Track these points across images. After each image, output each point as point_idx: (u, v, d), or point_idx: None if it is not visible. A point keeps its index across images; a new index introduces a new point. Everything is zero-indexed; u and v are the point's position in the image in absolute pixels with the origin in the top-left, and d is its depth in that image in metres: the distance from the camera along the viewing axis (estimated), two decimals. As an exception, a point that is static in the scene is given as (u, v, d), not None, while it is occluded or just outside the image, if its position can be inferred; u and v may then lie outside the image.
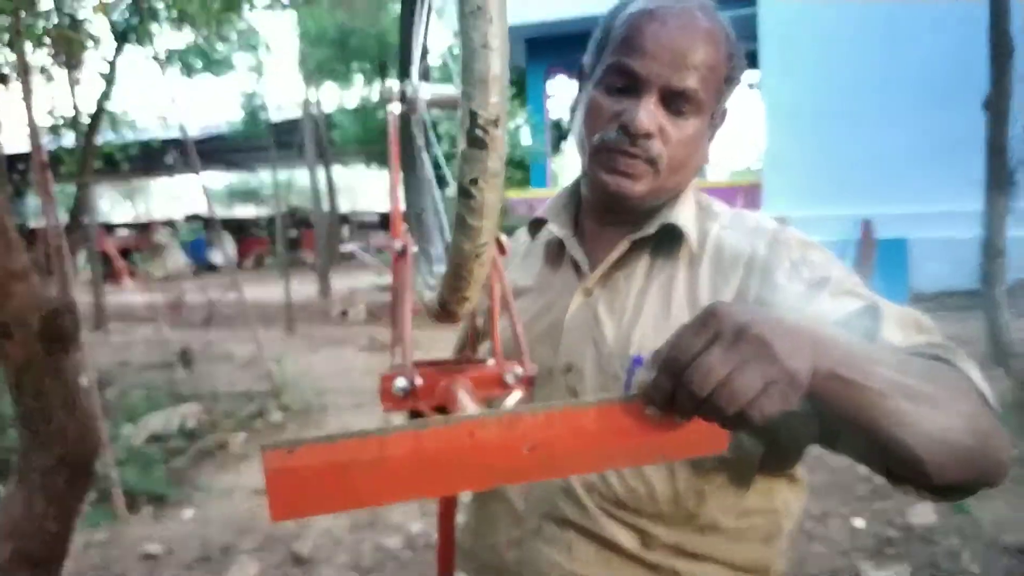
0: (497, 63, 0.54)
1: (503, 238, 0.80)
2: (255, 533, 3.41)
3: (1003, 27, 3.98)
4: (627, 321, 0.89)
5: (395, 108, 0.76)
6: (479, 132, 0.55)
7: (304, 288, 11.89)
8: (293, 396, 5.52)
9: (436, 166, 0.85)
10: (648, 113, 0.83)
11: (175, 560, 3.19)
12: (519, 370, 0.76)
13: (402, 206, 0.87)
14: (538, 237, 1.04)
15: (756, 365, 0.53)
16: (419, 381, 0.70)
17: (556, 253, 1.00)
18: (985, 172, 4.08)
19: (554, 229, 0.99)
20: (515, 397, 0.75)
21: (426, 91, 0.75)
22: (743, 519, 0.87)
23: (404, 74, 0.83)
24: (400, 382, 0.70)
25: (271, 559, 3.17)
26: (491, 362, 0.79)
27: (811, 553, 2.97)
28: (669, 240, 0.91)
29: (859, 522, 3.20)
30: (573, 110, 0.95)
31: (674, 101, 0.84)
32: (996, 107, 3.98)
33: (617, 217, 0.94)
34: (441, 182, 0.87)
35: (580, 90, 0.93)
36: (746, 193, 10.15)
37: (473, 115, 0.55)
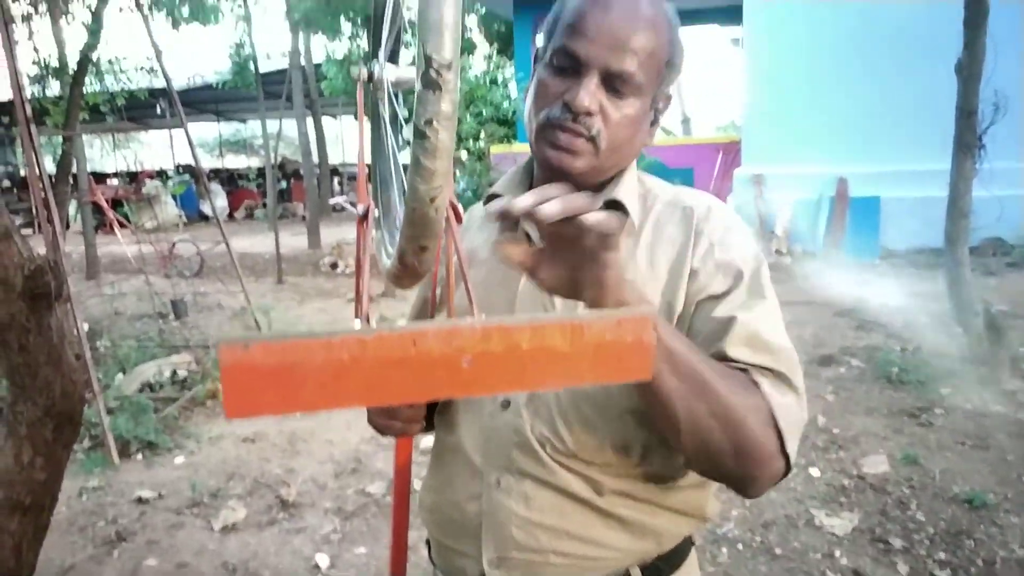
0: (451, 11, 0.58)
1: (458, 206, 0.85)
2: (244, 479, 3.55)
3: (979, -9, 4.01)
4: None
5: (362, 85, 0.81)
6: (433, 75, 0.58)
7: (294, 240, 11.95)
8: (282, 347, 5.64)
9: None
10: (589, 93, 0.87)
11: (166, 504, 3.32)
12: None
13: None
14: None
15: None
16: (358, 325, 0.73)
17: (511, 229, 1.05)
18: (954, 134, 4.15)
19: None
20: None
21: (391, 72, 0.79)
22: (681, 469, 0.96)
23: (375, 54, 0.87)
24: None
25: (259, 504, 3.31)
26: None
27: (767, 500, 3.11)
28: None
29: (815, 471, 3.35)
30: (526, 91, 1.01)
31: (614, 83, 0.88)
32: (968, 71, 4.03)
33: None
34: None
35: (533, 72, 0.99)
36: (727, 149, 10.20)
37: (428, 59, 0.58)
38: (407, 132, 0.89)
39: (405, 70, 0.79)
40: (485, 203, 1.09)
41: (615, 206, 0.94)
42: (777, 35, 8.84)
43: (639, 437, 0.91)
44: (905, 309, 5.67)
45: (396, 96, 0.88)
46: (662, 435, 0.86)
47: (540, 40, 1.00)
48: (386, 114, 0.88)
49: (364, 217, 0.80)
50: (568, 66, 0.90)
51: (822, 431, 3.70)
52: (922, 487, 3.17)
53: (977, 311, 4.10)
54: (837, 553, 2.75)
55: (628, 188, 0.97)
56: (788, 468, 0.84)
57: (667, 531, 0.98)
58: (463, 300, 0.86)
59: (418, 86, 0.59)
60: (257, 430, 4.10)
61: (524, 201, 0.69)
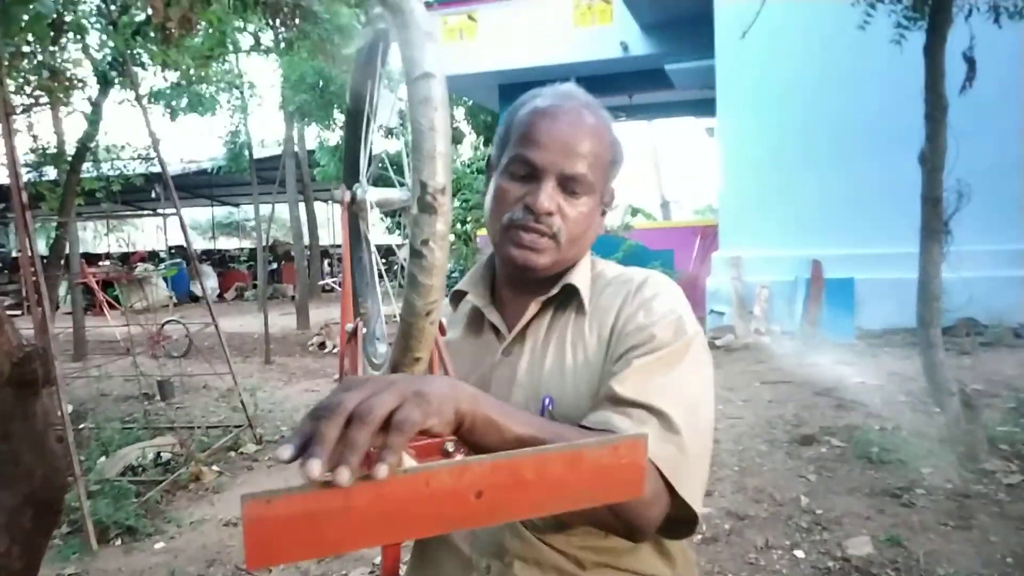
0: (442, 142, 0.66)
1: (442, 320, 0.88)
2: (225, 565, 3.49)
3: (938, 89, 4.24)
4: (536, 369, 1.03)
5: (346, 207, 0.88)
6: (429, 199, 0.65)
7: (283, 320, 11.99)
8: (267, 427, 5.63)
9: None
10: (548, 195, 0.98)
11: (144, 590, 3.29)
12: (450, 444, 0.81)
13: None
14: (460, 307, 1.17)
15: (391, 389, 0.60)
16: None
17: (477, 321, 1.12)
18: (921, 221, 4.31)
19: (473, 299, 1.12)
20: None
21: (374, 194, 0.87)
22: (653, 539, 1.01)
23: (351, 178, 0.95)
24: None
25: (238, 590, 3.28)
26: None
27: (753, 583, 3.12)
28: (568, 299, 1.06)
29: (800, 553, 3.35)
30: (483, 196, 1.11)
31: (568, 184, 1.00)
32: (930, 161, 4.22)
33: (528, 285, 1.07)
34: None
35: (488, 179, 1.09)
36: (704, 233, 10.45)
37: (423, 185, 0.65)
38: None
39: (386, 192, 0.86)
40: (451, 300, 1.18)
41: (570, 289, 1.06)
42: (748, 126, 9.22)
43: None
44: (883, 388, 5.75)
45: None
46: None
47: (493, 151, 1.11)
48: (369, 233, 0.95)
49: (353, 335, 0.85)
50: (526, 173, 1.01)
51: (805, 511, 3.70)
52: (907, 569, 3.16)
53: (953, 391, 4.17)
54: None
55: (582, 275, 1.07)
56: (690, 513, 0.86)
57: None
58: None
59: (414, 209, 0.65)
60: (240, 514, 4.06)
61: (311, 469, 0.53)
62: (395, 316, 0.85)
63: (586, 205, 1.02)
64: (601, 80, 11.47)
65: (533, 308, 1.06)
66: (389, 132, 1.02)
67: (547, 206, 0.99)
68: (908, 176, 4.72)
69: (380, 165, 1.05)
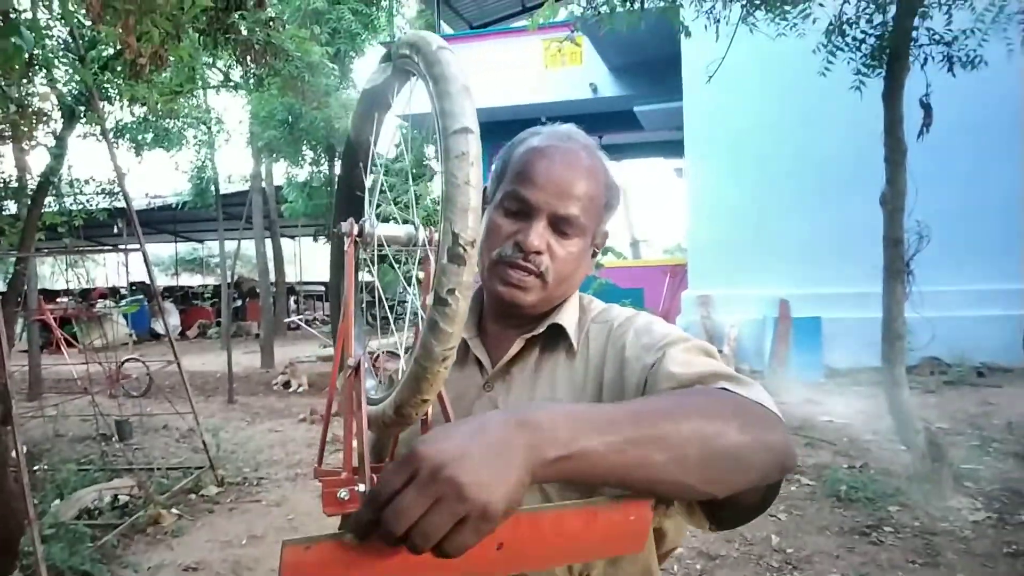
0: (475, 197, 0.67)
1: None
2: (182, 611, 3.39)
3: (896, 133, 4.37)
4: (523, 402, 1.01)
5: (352, 242, 0.83)
6: (460, 250, 0.66)
7: (247, 359, 11.79)
8: (229, 468, 5.49)
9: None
10: (538, 234, 0.99)
11: (98, 640, 3.15)
12: None
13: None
14: None
15: (446, 505, 0.57)
16: (362, 488, 0.71)
17: (463, 353, 1.11)
18: (883, 262, 4.40)
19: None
20: None
21: (381, 229, 0.85)
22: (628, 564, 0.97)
23: (347, 212, 0.91)
24: (343, 493, 0.72)
25: (197, 638, 3.16)
26: None
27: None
28: (555, 338, 1.06)
29: (771, 593, 3.34)
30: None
31: (560, 224, 1.01)
32: (891, 203, 4.34)
33: (514, 321, 1.08)
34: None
35: (483, 212, 1.07)
36: (674, 272, 10.58)
37: (455, 236, 0.66)
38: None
39: (392, 228, 0.85)
40: None
41: (557, 329, 1.06)
42: (716, 166, 9.42)
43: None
44: (850, 427, 5.81)
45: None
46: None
47: (489, 184, 1.11)
48: (375, 270, 0.93)
49: (356, 370, 0.83)
50: (518, 210, 1.01)
51: (776, 551, 3.70)
52: (874, 608, 3.18)
53: (918, 429, 4.22)
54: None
55: (570, 315, 1.07)
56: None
57: None
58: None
59: (444, 259, 0.67)
60: (200, 559, 3.94)
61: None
62: (379, 352, 0.83)
63: (576, 246, 1.03)
64: (571, 120, 11.51)
65: (518, 345, 1.05)
66: (374, 165, 1.00)
67: (536, 245, 0.99)
68: (871, 217, 4.84)
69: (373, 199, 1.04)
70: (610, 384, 0.99)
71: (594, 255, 1.11)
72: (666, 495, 0.73)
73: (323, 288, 19.52)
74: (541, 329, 1.06)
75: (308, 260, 22.28)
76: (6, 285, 6.39)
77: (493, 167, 1.11)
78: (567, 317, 1.07)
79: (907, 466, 4.44)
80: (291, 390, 9.28)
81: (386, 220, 0.89)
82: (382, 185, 0.93)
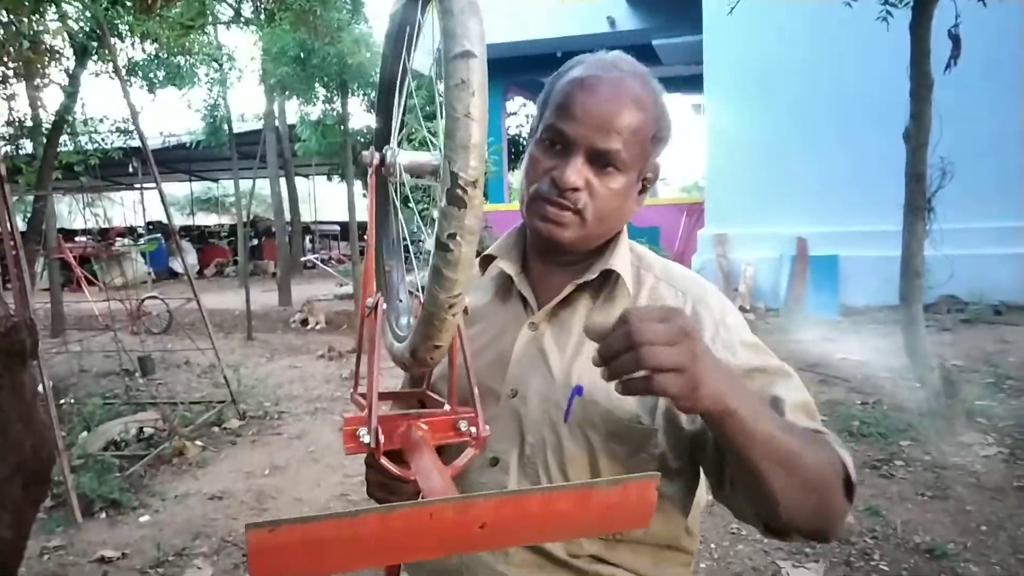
0: (478, 131, 0.61)
1: (466, 300, 0.88)
2: (210, 537, 3.49)
3: (923, 66, 4.25)
4: (570, 355, 0.99)
5: (374, 171, 0.81)
6: (459, 192, 0.61)
7: (264, 297, 11.91)
8: (250, 403, 5.61)
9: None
10: (575, 170, 0.94)
11: (129, 564, 3.25)
12: (472, 428, 0.81)
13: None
14: (488, 271, 1.14)
15: (682, 351, 0.70)
16: (380, 435, 0.74)
17: (505, 288, 1.10)
18: (904, 198, 4.34)
19: (504, 267, 1.09)
20: (467, 455, 0.81)
21: (404, 157, 0.80)
22: (648, 534, 1.00)
23: (381, 142, 0.88)
24: (364, 434, 0.74)
25: (225, 562, 3.26)
26: (446, 407, 0.84)
27: (735, 552, 3.16)
28: (608, 283, 1.03)
29: (781, 524, 3.40)
30: (522, 161, 1.08)
31: (599, 160, 0.95)
32: (915, 139, 4.25)
33: (559, 259, 1.05)
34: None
35: (527, 145, 1.07)
36: (691, 210, 10.48)
37: (454, 176, 0.61)
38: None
39: (416, 155, 0.80)
40: (481, 264, 1.14)
41: (610, 274, 1.02)
42: (735, 103, 9.22)
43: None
44: (865, 364, 5.82)
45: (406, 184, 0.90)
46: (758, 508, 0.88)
47: (535, 116, 1.07)
48: (397, 199, 0.91)
49: (373, 310, 0.81)
50: (556, 144, 0.97)
51: (787, 484, 3.75)
52: (885, 538, 3.23)
53: (933, 366, 4.23)
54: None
55: (621, 259, 1.04)
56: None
57: None
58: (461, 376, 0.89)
59: (443, 201, 0.62)
60: (224, 488, 4.06)
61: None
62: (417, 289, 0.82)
63: (617, 182, 0.97)
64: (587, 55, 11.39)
65: (568, 288, 1.02)
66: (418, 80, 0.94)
67: (573, 181, 0.95)
68: (893, 153, 4.75)
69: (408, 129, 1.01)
70: None
71: (643, 191, 1.05)
72: (753, 494, 0.85)
73: (338, 228, 19.54)
74: (593, 275, 1.02)
75: (323, 199, 22.27)
76: (26, 224, 6.44)
77: (538, 99, 1.07)
78: (619, 262, 1.03)
79: (920, 403, 4.46)
80: (309, 328, 9.39)
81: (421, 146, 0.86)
82: (418, 109, 0.89)
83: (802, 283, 8.33)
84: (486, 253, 1.12)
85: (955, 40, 4.59)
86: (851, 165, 8.29)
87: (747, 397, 0.78)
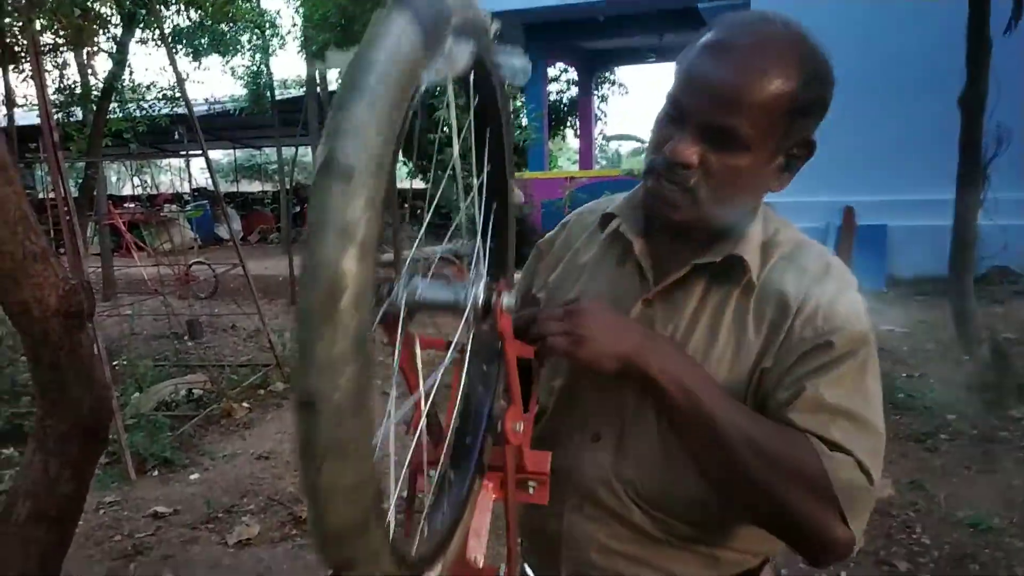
0: (365, 106, 0.44)
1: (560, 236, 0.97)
2: (258, 496, 3.61)
3: (982, 29, 4.10)
4: (679, 339, 0.93)
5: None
6: (332, 178, 0.43)
7: (307, 264, 12.06)
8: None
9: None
10: (685, 145, 0.84)
11: (181, 520, 3.38)
12: None
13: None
14: (607, 229, 1.05)
15: (567, 320, 0.83)
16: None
17: (624, 251, 1.02)
18: (957, 166, 4.22)
19: (625, 231, 1.00)
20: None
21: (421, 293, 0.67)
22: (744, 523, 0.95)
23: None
24: None
25: (272, 520, 3.36)
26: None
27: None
28: (731, 268, 0.92)
29: (821, 495, 3.38)
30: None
31: (717, 136, 0.84)
32: (971, 105, 4.11)
33: (681, 233, 0.95)
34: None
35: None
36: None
37: (331, 152, 0.44)
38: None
39: (435, 290, 0.69)
40: (601, 222, 1.07)
41: (735, 261, 0.92)
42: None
43: (709, 492, 0.91)
44: (911, 336, 5.71)
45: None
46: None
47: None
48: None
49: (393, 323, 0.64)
50: (674, 115, 0.88)
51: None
52: (927, 511, 3.20)
53: (982, 339, 4.14)
54: (843, 574, 2.78)
55: (751, 243, 0.93)
56: (853, 541, 0.82)
57: (741, 561, 0.99)
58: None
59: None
60: (271, 448, 4.17)
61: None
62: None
63: (740, 160, 0.85)
64: (630, 19, 11.18)
65: (687, 268, 0.93)
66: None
67: (682, 156, 0.85)
68: (946, 120, 4.61)
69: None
70: (766, 338, 0.90)
71: (788, 168, 0.92)
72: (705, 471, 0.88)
73: (379, 195, 19.58)
74: (717, 258, 0.92)
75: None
76: (78, 191, 6.61)
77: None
78: (748, 246, 0.92)
79: (968, 376, 4.38)
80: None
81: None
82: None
83: (848, 253, 8.15)
84: (608, 212, 1.04)
85: (1017, 1, 4.41)
86: (903, 132, 8.04)
87: (688, 372, 0.84)
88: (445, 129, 0.67)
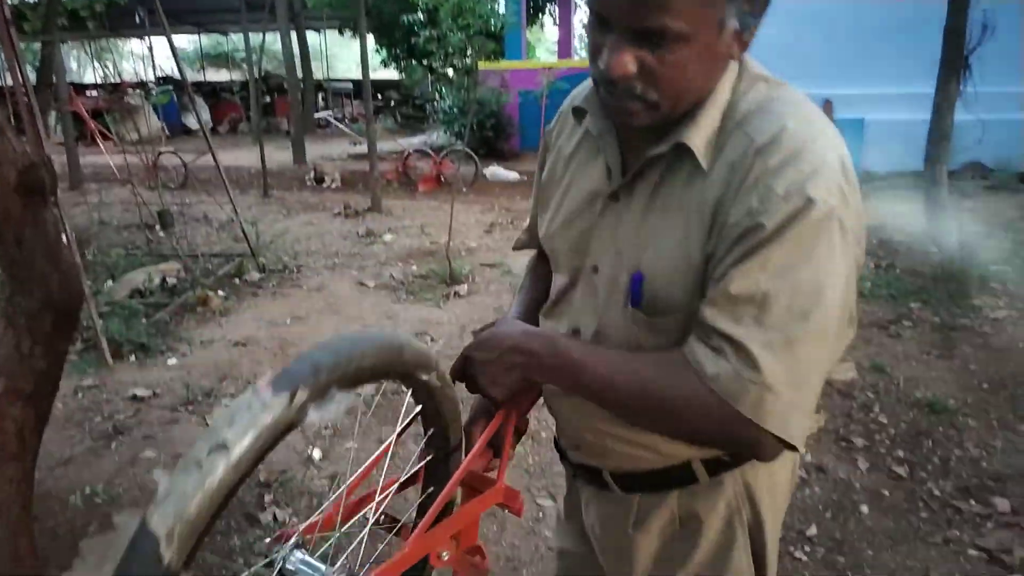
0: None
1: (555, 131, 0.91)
2: (236, 380, 3.65)
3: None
4: (636, 236, 0.90)
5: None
6: None
7: (278, 155, 11.82)
8: (269, 257, 5.70)
9: None
10: (617, 56, 0.78)
11: (160, 402, 3.42)
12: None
13: None
14: (582, 123, 1.02)
15: (463, 369, 1.01)
16: None
17: (593, 146, 0.99)
18: (940, 55, 4.16)
19: (591, 127, 0.97)
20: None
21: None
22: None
23: None
24: None
25: (251, 402, 3.44)
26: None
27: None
28: (683, 155, 0.86)
29: (786, 378, 3.49)
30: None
31: (648, 37, 0.76)
32: (957, -12, 4.02)
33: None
34: None
35: None
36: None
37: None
38: None
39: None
40: (574, 114, 1.04)
41: (682, 148, 0.85)
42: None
43: None
44: (882, 228, 5.78)
45: None
46: None
47: None
48: None
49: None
50: (599, 25, 0.80)
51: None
52: (886, 392, 3.33)
53: (951, 231, 4.20)
54: (802, 450, 2.90)
55: (703, 126, 0.85)
56: (781, 438, 0.78)
57: None
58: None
59: None
60: (248, 335, 4.20)
61: None
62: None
63: (684, 53, 0.77)
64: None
65: (642, 160, 0.89)
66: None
67: (616, 72, 0.78)
68: (927, 10, 4.51)
69: None
70: (713, 222, 0.82)
71: (745, 25, 0.80)
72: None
73: (351, 85, 19.05)
74: (664, 148, 0.86)
75: (335, 55, 21.58)
76: (35, 74, 6.33)
77: None
78: (696, 132, 0.84)
79: (935, 267, 4.47)
80: (324, 185, 9.38)
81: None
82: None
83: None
84: (577, 105, 1.00)
85: None
86: (883, 23, 7.89)
87: (555, 341, 0.92)
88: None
